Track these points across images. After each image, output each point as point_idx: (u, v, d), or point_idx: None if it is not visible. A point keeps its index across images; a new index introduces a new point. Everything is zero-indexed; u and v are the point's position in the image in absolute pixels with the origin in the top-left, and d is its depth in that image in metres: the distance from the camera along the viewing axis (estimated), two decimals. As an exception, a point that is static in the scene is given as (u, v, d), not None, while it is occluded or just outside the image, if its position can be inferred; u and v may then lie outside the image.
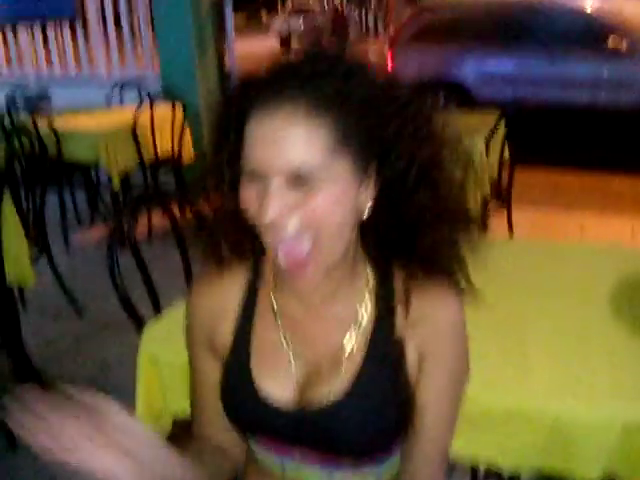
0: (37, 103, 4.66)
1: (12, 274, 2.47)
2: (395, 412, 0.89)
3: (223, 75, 5.45)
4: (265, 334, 0.95)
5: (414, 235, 0.86)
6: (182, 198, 2.02)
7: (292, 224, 0.79)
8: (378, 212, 0.86)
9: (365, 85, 0.80)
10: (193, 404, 1.07)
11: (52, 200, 3.69)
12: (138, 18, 5.62)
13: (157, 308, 1.83)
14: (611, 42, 6.00)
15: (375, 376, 0.89)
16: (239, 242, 0.93)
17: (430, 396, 0.90)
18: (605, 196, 4.96)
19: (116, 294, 1.70)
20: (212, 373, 0.99)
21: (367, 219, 0.86)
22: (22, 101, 4.85)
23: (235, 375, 0.95)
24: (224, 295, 0.97)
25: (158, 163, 4.47)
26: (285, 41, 22.65)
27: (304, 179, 0.77)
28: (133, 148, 4.23)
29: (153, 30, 5.39)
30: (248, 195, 0.81)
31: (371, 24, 23.98)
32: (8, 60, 6.47)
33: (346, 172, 0.79)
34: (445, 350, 0.90)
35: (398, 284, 0.90)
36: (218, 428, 1.02)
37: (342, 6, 27.27)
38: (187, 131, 4.66)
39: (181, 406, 1.44)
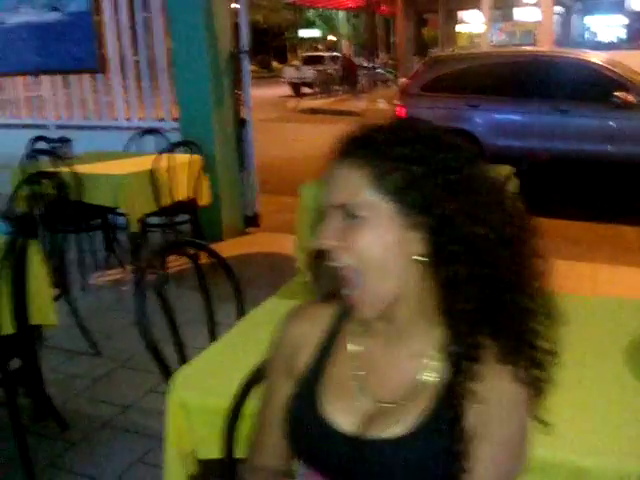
0: (58, 148, 4.78)
1: (36, 314, 2.53)
2: (447, 464, 0.92)
3: (239, 122, 5.59)
4: (338, 368, 1.03)
5: (477, 298, 0.91)
6: (202, 242, 2.08)
7: (343, 254, 0.93)
8: (443, 273, 0.91)
9: (408, 146, 0.92)
10: (256, 425, 1.15)
11: (69, 241, 3.79)
12: (157, 68, 5.77)
13: (180, 351, 1.88)
14: (620, 94, 6.12)
15: (433, 425, 0.93)
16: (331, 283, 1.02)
17: (475, 465, 0.92)
18: (616, 246, 5.00)
19: (143, 340, 1.74)
20: (282, 396, 1.07)
21: (444, 280, 0.91)
22: (44, 145, 4.99)
23: (302, 402, 1.02)
24: (309, 327, 1.08)
25: (175, 207, 4.58)
26: (296, 88, 23.07)
27: (352, 213, 0.92)
28: (151, 193, 4.34)
29: (172, 80, 5.55)
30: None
31: (380, 74, 24.41)
32: (30, 105, 6.65)
33: (389, 214, 0.91)
34: (499, 425, 0.92)
35: (469, 345, 0.94)
36: (274, 453, 1.10)
37: (352, 55, 27.89)
38: (204, 176, 4.79)
39: (210, 449, 1.48)
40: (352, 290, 0.95)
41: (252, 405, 1.35)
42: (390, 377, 0.99)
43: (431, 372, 0.97)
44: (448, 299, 0.93)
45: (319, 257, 1.03)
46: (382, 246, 0.92)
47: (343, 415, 0.99)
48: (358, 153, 0.93)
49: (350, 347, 1.04)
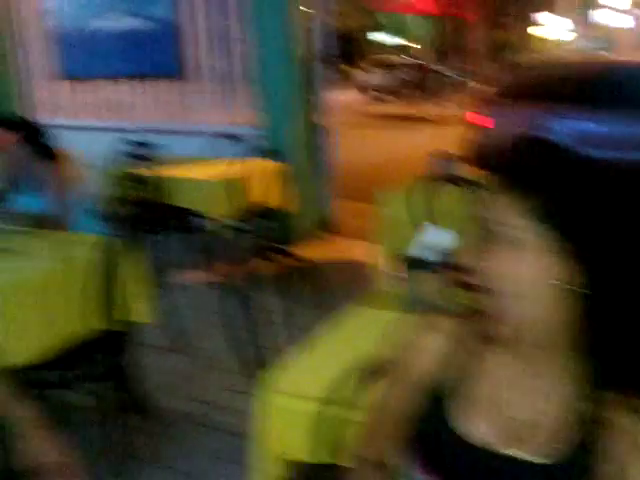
0: (143, 151, 4.94)
1: (132, 311, 2.66)
2: None
3: (315, 128, 5.65)
4: (472, 384, 1.03)
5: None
6: (284, 247, 2.14)
7: (487, 275, 0.93)
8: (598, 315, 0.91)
9: (564, 173, 0.91)
10: (369, 423, 1.19)
11: (155, 242, 3.94)
12: (237, 75, 5.90)
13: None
14: None
15: (570, 453, 0.94)
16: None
17: None
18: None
19: (229, 341, 1.80)
20: (398, 401, 1.10)
21: (587, 311, 0.92)
22: (128, 148, 5.17)
23: (432, 412, 1.04)
24: (435, 340, 1.09)
25: (254, 212, 4.68)
26: (369, 93, 23.04)
27: (501, 235, 0.92)
28: (232, 197, 4.46)
29: (252, 86, 5.66)
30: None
31: (451, 79, 24.06)
32: (113, 109, 6.91)
33: (539, 239, 0.91)
34: (630, 457, 0.94)
35: (605, 376, 0.95)
36: (384, 450, 1.14)
37: (424, 59, 27.64)
38: (282, 182, 4.87)
39: (299, 451, 1.52)
40: (492, 311, 0.95)
41: (342, 409, 1.38)
42: (525, 400, 1.00)
43: (567, 401, 0.97)
44: (590, 330, 0.92)
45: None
46: (527, 270, 0.92)
47: (478, 429, 1.00)
48: (513, 175, 0.94)
49: (486, 365, 1.04)
